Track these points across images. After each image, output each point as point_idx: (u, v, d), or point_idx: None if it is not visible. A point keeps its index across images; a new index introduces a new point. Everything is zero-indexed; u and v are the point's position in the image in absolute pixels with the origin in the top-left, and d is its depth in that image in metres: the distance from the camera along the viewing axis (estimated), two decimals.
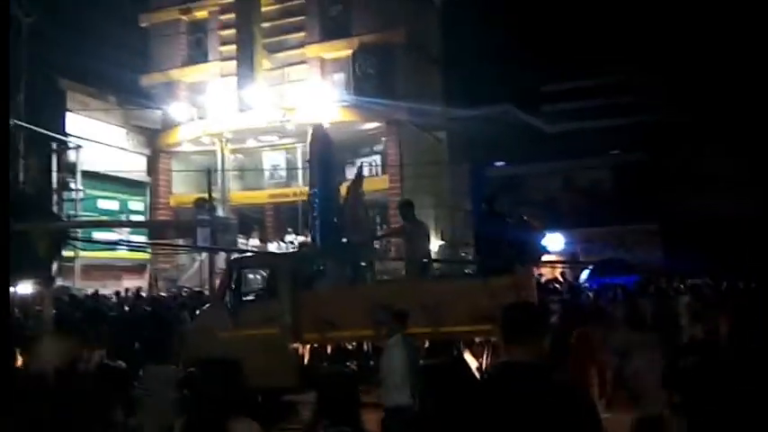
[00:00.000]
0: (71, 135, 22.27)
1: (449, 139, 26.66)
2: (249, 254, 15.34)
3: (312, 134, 10.01)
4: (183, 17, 26.03)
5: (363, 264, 9.18)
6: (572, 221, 27.36)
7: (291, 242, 21.67)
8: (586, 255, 26.04)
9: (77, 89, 22.97)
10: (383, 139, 23.72)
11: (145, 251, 22.95)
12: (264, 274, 10.18)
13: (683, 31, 24.77)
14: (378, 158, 23.96)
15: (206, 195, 20.46)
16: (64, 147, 22.31)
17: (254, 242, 22.61)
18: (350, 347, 8.50)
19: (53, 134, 21.52)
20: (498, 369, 2.57)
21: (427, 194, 24.31)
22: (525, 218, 9.52)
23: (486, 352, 7.38)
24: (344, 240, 9.15)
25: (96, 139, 23.06)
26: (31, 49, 20.64)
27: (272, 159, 24.69)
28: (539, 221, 10.11)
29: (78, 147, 22.41)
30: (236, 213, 23.60)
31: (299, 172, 23.42)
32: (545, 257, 20.86)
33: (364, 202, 9.57)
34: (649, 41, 25.33)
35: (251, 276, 11.29)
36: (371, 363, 7.80)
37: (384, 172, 23.53)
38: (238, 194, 24.33)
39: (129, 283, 21.64)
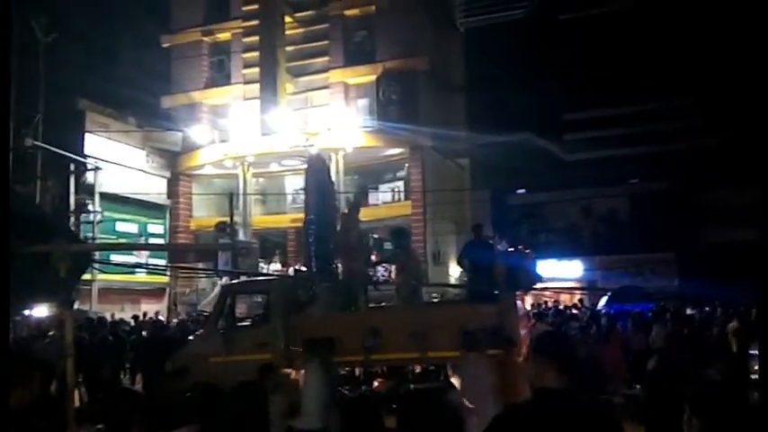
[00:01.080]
0: (90, 156, 21.95)
1: (471, 165, 26.67)
2: (243, 279, 15.22)
3: (308, 162, 9.98)
4: (206, 39, 25.99)
5: (356, 290, 9.09)
6: (591, 249, 27.43)
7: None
8: (605, 282, 26.06)
9: (97, 110, 22.72)
10: (406, 165, 23.63)
11: (164, 274, 22.54)
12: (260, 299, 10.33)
13: (703, 62, 25.03)
14: (401, 184, 23.81)
15: (227, 219, 20.20)
16: (82, 168, 21.97)
17: (276, 266, 22.29)
18: (342, 373, 8.61)
19: (71, 155, 21.19)
20: (532, 396, 2.63)
21: (449, 221, 24.26)
22: (518, 246, 9.83)
23: None
24: (338, 267, 9.25)
25: (115, 161, 22.77)
26: (49, 68, 20.40)
27: (295, 184, 24.43)
28: (530, 250, 10.34)
29: (97, 168, 22.07)
30: (257, 237, 23.31)
31: None
32: (549, 284, 21.31)
33: (360, 230, 9.64)
34: (669, 72, 25.58)
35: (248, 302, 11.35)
36: (364, 387, 8.05)
37: (407, 198, 23.38)
38: (260, 218, 24.05)
39: (148, 307, 21.30)
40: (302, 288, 9.62)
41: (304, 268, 11.33)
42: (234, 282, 13.86)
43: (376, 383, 8.04)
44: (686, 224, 26.37)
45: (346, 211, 10.40)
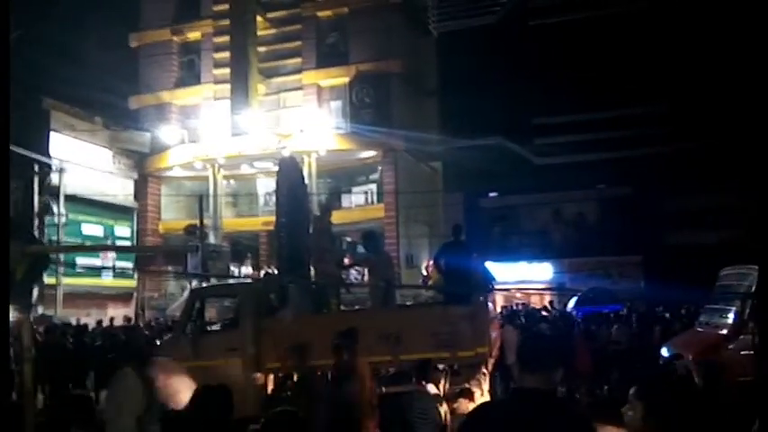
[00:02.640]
0: (55, 157, 21.35)
1: (444, 169, 26.79)
2: (212, 283, 15.03)
3: (280, 163, 9.90)
4: (175, 38, 25.54)
5: (328, 293, 9.17)
6: (561, 251, 27.82)
7: None
8: (574, 284, 26.47)
9: (62, 109, 22.12)
10: (379, 168, 23.60)
11: (131, 278, 22.06)
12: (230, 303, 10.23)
13: (670, 71, 25.62)
14: (374, 187, 23.76)
15: (197, 222, 19.87)
16: (47, 169, 21.34)
17: (247, 270, 22.00)
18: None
19: (36, 155, 20.57)
20: (510, 394, 2.76)
21: (422, 224, 24.30)
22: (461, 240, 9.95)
23: (445, 379, 7.52)
24: (310, 270, 9.19)
25: (81, 162, 22.19)
26: (13, 66, 19.75)
27: (267, 186, 24.16)
28: (476, 253, 10.52)
29: (62, 169, 21.47)
30: (228, 241, 22.99)
31: None
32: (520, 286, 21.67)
33: (332, 232, 9.62)
34: (637, 80, 26.11)
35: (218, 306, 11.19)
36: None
37: (380, 201, 23.34)
38: (231, 221, 23.71)
39: (115, 312, 20.72)
40: (273, 291, 9.49)
41: (275, 271, 11.21)
42: (203, 285, 13.64)
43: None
44: (652, 228, 26.99)
45: (318, 213, 10.32)
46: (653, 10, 25.34)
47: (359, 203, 23.75)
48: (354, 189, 24.03)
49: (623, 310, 16.76)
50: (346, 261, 11.65)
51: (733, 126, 23.27)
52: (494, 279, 10.93)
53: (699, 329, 8.99)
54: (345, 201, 23.74)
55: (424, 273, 17.14)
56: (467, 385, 7.50)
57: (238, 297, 9.33)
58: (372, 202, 23.67)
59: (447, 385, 7.51)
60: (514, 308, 19.79)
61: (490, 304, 8.58)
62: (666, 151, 26.38)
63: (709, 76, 24.64)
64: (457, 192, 27.32)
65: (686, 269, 20.53)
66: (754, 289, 7.84)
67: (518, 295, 23.76)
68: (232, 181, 24.66)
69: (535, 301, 23.98)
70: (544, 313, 18.45)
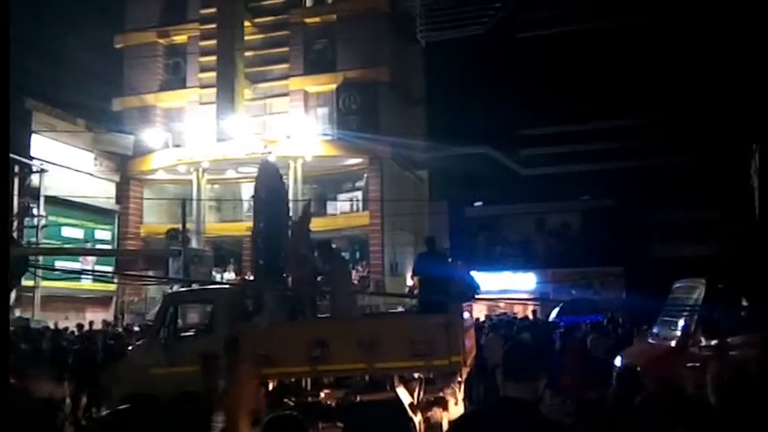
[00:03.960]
0: (35, 158, 21.04)
1: (429, 177, 26.82)
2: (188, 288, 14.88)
3: (259, 168, 9.86)
4: (161, 40, 25.34)
5: (304, 300, 9.06)
6: (544, 262, 27.94)
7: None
8: (557, 294, 26.60)
9: (44, 110, 21.89)
10: (365, 175, 23.56)
11: (111, 282, 21.72)
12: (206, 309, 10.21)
13: (655, 84, 25.90)
14: (359, 194, 23.71)
15: (179, 226, 19.67)
16: (27, 170, 21.02)
17: (230, 275, 21.80)
18: (288, 383, 8.42)
19: (16, 156, 20.22)
20: (494, 404, 2.89)
21: (407, 232, 24.26)
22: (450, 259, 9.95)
23: (419, 387, 7.58)
24: (286, 277, 9.14)
25: (62, 164, 21.90)
26: None
27: (252, 191, 24.01)
28: (461, 262, 10.56)
29: (42, 170, 21.18)
30: (211, 245, 22.78)
31: None
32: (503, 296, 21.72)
33: (310, 239, 9.50)
34: (622, 93, 26.35)
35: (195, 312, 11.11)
36: (310, 399, 7.90)
37: (365, 208, 23.28)
38: (215, 226, 23.48)
39: (94, 316, 20.39)
40: (249, 298, 9.42)
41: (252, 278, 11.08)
42: (178, 291, 13.47)
43: (323, 394, 7.93)
44: (634, 240, 27.21)
45: (297, 219, 10.26)
46: (638, 24, 25.66)
47: (344, 210, 23.67)
48: (340, 196, 23.96)
49: (604, 321, 16.85)
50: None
51: (717, 140, 23.63)
52: (478, 287, 10.91)
53: (651, 341, 9.07)
54: (331, 207, 23.67)
55: (410, 282, 17.09)
56: (441, 394, 7.59)
57: (214, 303, 9.27)
58: (358, 210, 23.61)
59: (421, 394, 7.56)
60: (493, 318, 19.78)
61: (467, 313, 8.54)
62: (650, 164, 26.66)
63: (694, 90, 24.97)
64: (442, 200, 27.38)
65: (668, 281, 20.78)
66: (700, 302, 7.95)
67: (501, 305, 23.80)
68: (216, 186, 24.47)
69: (518, 311, 24.07)
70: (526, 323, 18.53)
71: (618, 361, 8.21)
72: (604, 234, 28.02)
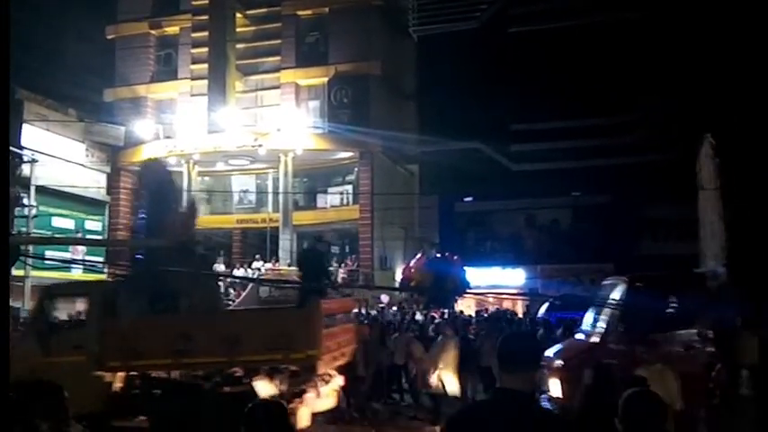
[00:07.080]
0: (26, 148, 21.03)
1: (420, 171, 26.86)
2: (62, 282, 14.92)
3: (148, 168, 10.09)
4: (153, 32, 25.29)
5: (178, 294, 9.17)
6: (534, 257, 28.02)
7: (258, 269, 21.15)
8: (546, 289, 26.66)
9: (35, 100, 21.85)
10: (356, 168, 23.61)
11: (101, 272, 21.74)
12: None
13: (647, 80, 25.89)
14: (350, 188, 23.77)
15: None
16: (18, 160, 21.00)
17: (220, 267, 21.85)
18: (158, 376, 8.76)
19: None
20: (490, 395, 2.87)
21: (397, 226, 24.35)
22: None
23: (282, 379, 7.82)
24: (163, 270, 9.17)
25: (53, 154, 21.88)
26: None
27: (242, 184, 24.08)
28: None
29: (33, 160, 21.14)
30: (201, 238, 22.75)
31: (270, 198, 22.95)
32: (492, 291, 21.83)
33: (193, 235, 9.77)
34: (614, 89, 26.31)
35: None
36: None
37: (356, 202, 23.35)
38: (205, 218, 23.40)
39: (83, 307, 20.48)
40: (124, 291, 9.38)
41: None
42: (56, 283, 13.57)
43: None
44: (624, 236, 27.28)
45: (184, 211, 10.37)
46: (632, 20, 25.62)
47: (334, 204, 23.75)
48: (330, 189, 24.04)
49: None
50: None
51: (710, 136, 23.65)
52: (468, 284, 11.02)
53: (577, 337, 9.23)
54: (321, 201, 23.75)
55: (400, 276, 17.09)
56: (303, 387, 7.82)
57: (89, 296, 9.29)
58: (348, 203, 23.68)
59: (286, 386, 7.77)
60: (484, 313, 19.86)
61: (355, 310, 8.67)
62: (642, 161, 26.66)
63: (687, 86, 24.98)
64: (432, 195, 27.43)
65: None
66: (622, 300, 8.10)
67: (491, 299, 23.87)
68: (207, 178, 24.49)
69: (507, 306, 24.17)
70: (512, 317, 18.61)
71: (546, 354, 8.34)
72: (595, 230, 28.06)
